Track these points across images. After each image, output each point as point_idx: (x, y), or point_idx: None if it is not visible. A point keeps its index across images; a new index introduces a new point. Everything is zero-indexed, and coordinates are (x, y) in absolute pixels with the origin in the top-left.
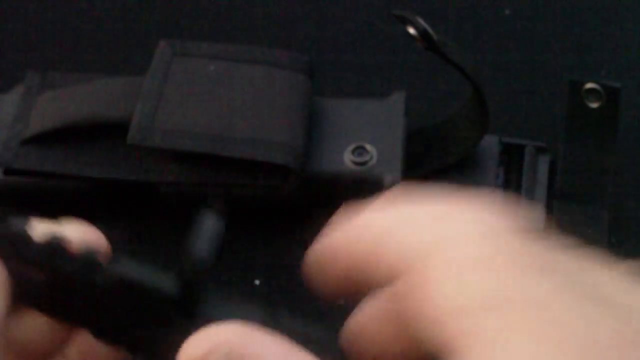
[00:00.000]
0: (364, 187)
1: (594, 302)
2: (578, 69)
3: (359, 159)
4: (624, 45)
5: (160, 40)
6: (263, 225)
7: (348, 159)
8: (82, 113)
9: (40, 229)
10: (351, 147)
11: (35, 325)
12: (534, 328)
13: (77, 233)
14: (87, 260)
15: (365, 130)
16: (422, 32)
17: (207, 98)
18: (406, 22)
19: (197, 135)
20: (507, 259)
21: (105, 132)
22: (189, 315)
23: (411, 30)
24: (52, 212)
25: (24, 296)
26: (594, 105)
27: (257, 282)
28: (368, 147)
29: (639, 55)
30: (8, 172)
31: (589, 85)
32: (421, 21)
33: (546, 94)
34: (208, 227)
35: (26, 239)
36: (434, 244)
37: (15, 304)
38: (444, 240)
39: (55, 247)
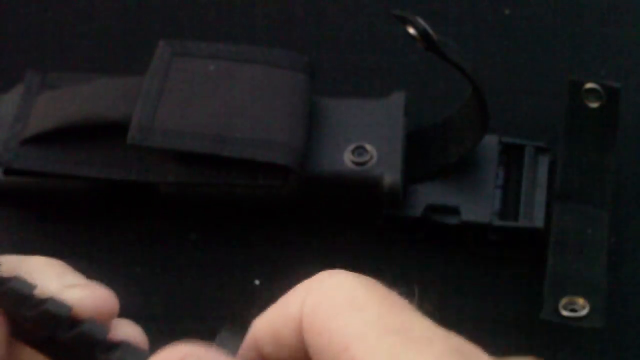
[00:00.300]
0: (364, 187)
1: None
2: (578, 69)
3: (359, 159)
4: (624, 45)
5: (160, 40)
6: (263, 225)
7: (348, 159)
8: (82, 113)
9: (49, 286)
10: (351, 147)
11: (35, 357)
12: (396, 345)
13: (86, 297)
14: (84, 332)
15: (365, 130)
16: (422, 32)
17: (207, 98)
18: (406, 22)
19: (197, 135)
20: (367, 301)
21: (105, 132)
22: None
23: (411, 30)
24: (52, 212)
25: (26, 341)
26: (594, 105)
27: (257, 282)
28: (368, 147)
29: (639, 55)
30: (8, 172)
31: (589, 85)
32: (421, 21)
33: (546, 94)
34: (228, 349)
35: (29, 299)
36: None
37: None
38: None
39: (54, 314)
